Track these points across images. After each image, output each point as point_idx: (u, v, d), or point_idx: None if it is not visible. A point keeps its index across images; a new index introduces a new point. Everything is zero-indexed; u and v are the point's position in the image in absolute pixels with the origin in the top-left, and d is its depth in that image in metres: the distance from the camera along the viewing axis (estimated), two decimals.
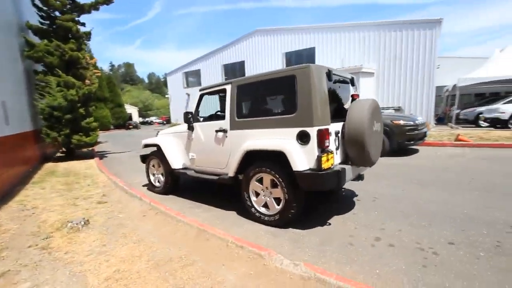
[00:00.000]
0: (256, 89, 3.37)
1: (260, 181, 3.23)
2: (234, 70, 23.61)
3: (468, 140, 8.08)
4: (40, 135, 8.01)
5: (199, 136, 4.01)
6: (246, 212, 3.45)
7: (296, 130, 2.88)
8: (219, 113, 4.44)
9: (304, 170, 2.78)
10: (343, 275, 2.07)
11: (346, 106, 3.45)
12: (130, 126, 36.32)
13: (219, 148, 3.71)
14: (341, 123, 3.17)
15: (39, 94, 8.05)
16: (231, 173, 3.48)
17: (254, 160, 3.26)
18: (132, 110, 49.72)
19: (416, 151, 7.62)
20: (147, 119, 55.71)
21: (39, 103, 7.93)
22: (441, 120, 17.04)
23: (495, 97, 16.75)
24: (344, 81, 3.54)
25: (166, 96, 30.79)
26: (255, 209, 3.29)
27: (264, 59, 21.29)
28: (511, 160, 5.93)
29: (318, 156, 2.75)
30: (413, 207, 3.53)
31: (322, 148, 2.78)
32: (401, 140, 6.78)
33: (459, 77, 13.59)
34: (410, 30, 15.50)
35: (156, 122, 49.32)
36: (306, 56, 19.44)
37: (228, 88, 3.59)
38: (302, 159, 2.82)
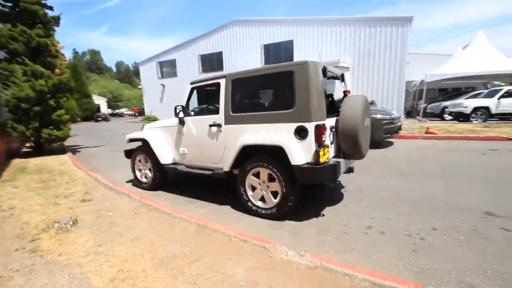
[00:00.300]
0: (252, 84, 3.37)
1: (257, 175, 3.28)
2: (211, 61, 23.13)
3: (437, 133, 8.73)
4: (5, 129, 7.34)
5: (190, 130, 3.95)
6: (241, 206, 3.50)
7: (294, 125, 2.95)
8: (210, 107, 4.38)
9: (302, 165, 2.87)
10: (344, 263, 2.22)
11: (337, 102, 3.58)
12: (99, 119, 34.36)
13: (212, 143, 3.69)
14: (334, 118, 3.29)
15: (2, 84, 7.33)
16: (226, 168, 3.49)
17: (250, 155, 3.30)
18: (100, 101, 46.92)
19: (391, 143, 8.10)
20: (117, 110, 52.99)
21: (3, 93, 7.23)
22: (409, 113, 18.13)
23: (457, 92, 18.15)
24: (335, 77, 3.66)
25: (140, 87, 29.41)
26: (252, 203, 3.34)
27: (243, 50, 21.07)
28: (475, 151, 6.53)
29: (315, 151, 2.86)
30: (396, 197, 3.80)
31: (319, 143, 2.88)
32: (379, 134, 7.17)
33: (427, 73, 14.51)
34: (383, 27, 16.14)
35: (127, 114, 47.14)
36: (284, 48, 19.55)
37: (222, 82, 3.56)
38: (300, 153, 2.90)
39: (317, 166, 2.83)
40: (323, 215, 3.31)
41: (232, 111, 3.45)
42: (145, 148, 4.51)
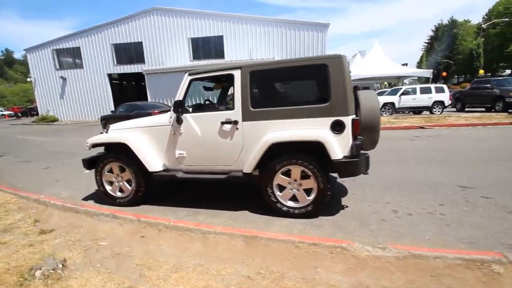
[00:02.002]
0: (276, 77, 3.14)
1: (286, 173, 3.09)
2: (128, 51, 20.48)
3: None
4: None
5: (192, 129, 3.37)
6: (261, 209, 3.28)
7: (330, 119, 2.90)
8: (208, 102, 3.85)
9: (341, 159, 2.87)
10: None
11: None
12: None
13: (226, 142, 3.26)
14: None
15: None
16: (247, 169, 3.15)
17: (273, 154, 3.06)
18: None
19: None
20: None
21: None
22: None
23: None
24: None
25: (28, 80, 23.34)
26: (281, 203, 3.13)
27: (167, 42, 19.47)
28: (404, 138, 7.97)
29: (353, 144, 2.90)
30: (385, 181, 4.25)
31: (355, 136, 2.93)
32: None
33: None
34: (306, 31, 17.75)
35: (5, 115, 36.77)
36: (214, 43, 19.10)
37: (237, 74, 3.16)
38: (338, 148, 2.88)
39: (356, 159, 2.88)
40: (347, 206, 3.41)
41: (252, 106, 3.12)
42: (123, 155, 3.61)
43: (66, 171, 6.00)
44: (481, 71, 30.93)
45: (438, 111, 13.62)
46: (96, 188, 4.44)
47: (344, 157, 2.90)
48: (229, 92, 4.78)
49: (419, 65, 43.86)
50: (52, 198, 3.91)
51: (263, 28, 18.14)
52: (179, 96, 3.39)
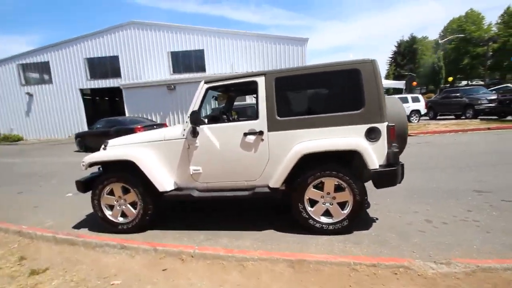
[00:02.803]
0: (303, 83, 2.94)
1: (318, 187, 2.86)
2: (103, 65, 19.54)
3: None
4: None
5: (210, 142, 3.05)
6: (286, 226, 3.06)
7: (365, 126, 2.74)
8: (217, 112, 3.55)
9: (378, 169, 2.70)
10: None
11: None
12: None
13: (249, 155, 2.97)
14: None
15: None
16: (275, 184, 2.87)
17: (303, 165, 2.83)
18: None
19: None
20: None
21: None
22: None
23: None
24: None
25: None
26: (314, 220, 2.87)
27: (146, 56, 18.90)
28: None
29: (389, 152, 2.75)
30: (400, 190, 3.98)
31: (390, 143, 2.79)
32: None
33: None
34: (286, 45, 18.14)
35: None
36: (195, 57, 18.87)
37: (261, 81, 2.93)
38: (375, 156, 2.72)
39: (394, 168, 2.73)
40: (377, 218, 3.23)
41: (279, 115, 2.89)
42: (127, 173, 3.17)
43: (43, 195, 5.29)
44: (450, 78, 33.25)
45: (416, 120, 14.30)
46: (87, 213, 3.92)
47: (380, 166, 2.74)
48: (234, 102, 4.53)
49: (387, 78, 46.72)
50: (38, 229, 3.32)
51: (244, 42, 18.27)
52: (195, 106, 3.07)
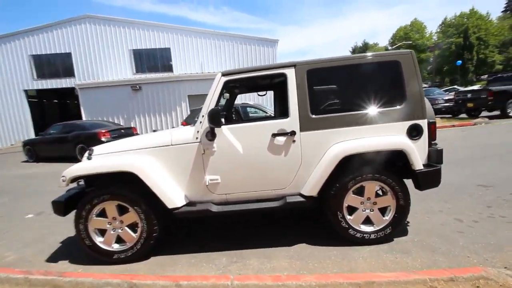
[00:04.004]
0: (338, 76, 2.61)
1: (356, 192, 2.56)
2: (53, 63, 17.37)
3: None
4: None
5: (230, 145, 2.56)
6: (321, 237, 2.74)
7: (407, 123, 2.52)
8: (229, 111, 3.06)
9: (423, 169, 2.50)
10: None
11: None
12: None
13: (279, 159, 2.56)
14: None
15: None
16: (311, 191, 2.51)
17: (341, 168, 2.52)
18: None
19: None
20: None
21: None
22: None
23: None
24: None
25: None
26: (354, 229, 2.56)
27: (104, 53, 17.21)
28: None
29: (432, 150, 2.57)
30: (410, 187, 4.07)
31: (432, 141, 2.61)
32: None
33: None
34: (257, 46, 17.95)
35: None
36: (160, 56, 17.72)
37: (291, 73, 2.54)
38: (419, 156, 2.50)
39: (438, 168, 2.54)
40: (408, 221, 3.03)
41: (312, 112, 2.53)
42: (125, 189, 2.52)
43: None
44: None
45: None
46: (60, 239, 3.20)
47: (424, 165, 2.54)
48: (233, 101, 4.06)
49: None
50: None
51: (213, 42, 17.62)
52: (211, 103, 2.56)
